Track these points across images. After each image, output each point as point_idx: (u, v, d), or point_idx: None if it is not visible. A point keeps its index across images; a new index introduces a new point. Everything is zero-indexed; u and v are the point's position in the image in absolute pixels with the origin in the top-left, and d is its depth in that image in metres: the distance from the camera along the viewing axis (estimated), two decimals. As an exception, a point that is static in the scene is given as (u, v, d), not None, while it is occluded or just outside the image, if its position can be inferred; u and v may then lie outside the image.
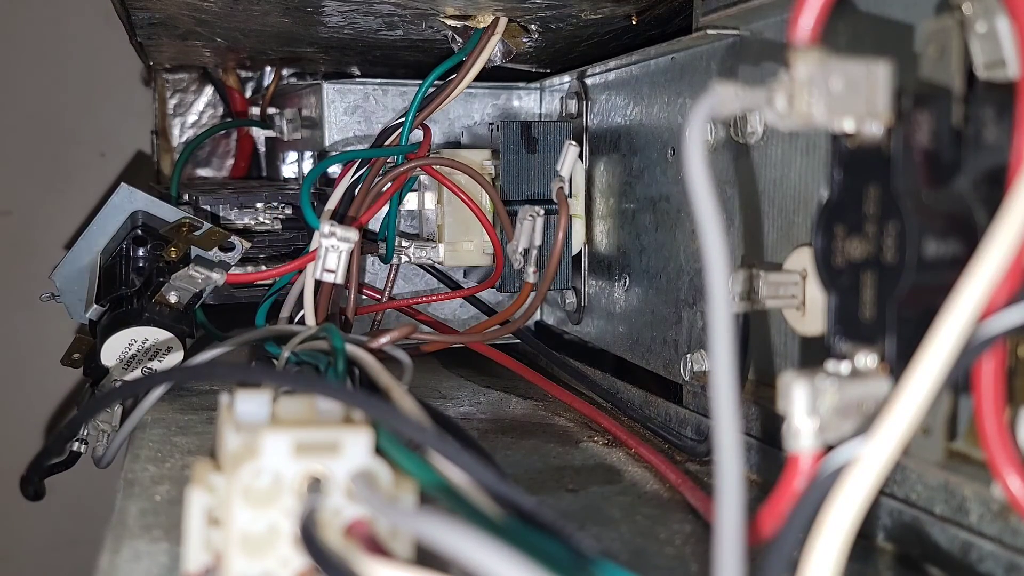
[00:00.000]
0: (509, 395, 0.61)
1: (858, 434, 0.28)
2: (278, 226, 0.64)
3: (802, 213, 0.41)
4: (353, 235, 0.54)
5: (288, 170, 0.84)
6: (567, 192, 0.57)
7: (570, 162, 0.57)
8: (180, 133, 0.93)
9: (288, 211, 0.64)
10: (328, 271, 0.54)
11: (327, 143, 0.66)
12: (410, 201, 0.63)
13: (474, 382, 0.65)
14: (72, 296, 0.59)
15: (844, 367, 0.30)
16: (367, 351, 0.42)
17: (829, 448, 0.28)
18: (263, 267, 0.61)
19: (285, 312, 0.57)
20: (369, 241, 0.61)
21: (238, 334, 0.52)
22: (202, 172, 0.93)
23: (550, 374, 0.62)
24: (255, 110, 0.90)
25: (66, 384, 0.95)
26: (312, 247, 0.56)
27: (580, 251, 0.62)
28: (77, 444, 0.57)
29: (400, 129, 0.59)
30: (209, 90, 0.93)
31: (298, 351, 0.45)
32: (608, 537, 0.38)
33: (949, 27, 0.30)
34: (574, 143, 0.57)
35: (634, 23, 0.58)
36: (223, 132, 0.92)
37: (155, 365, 0.55)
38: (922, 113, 0.29)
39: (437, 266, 0.65)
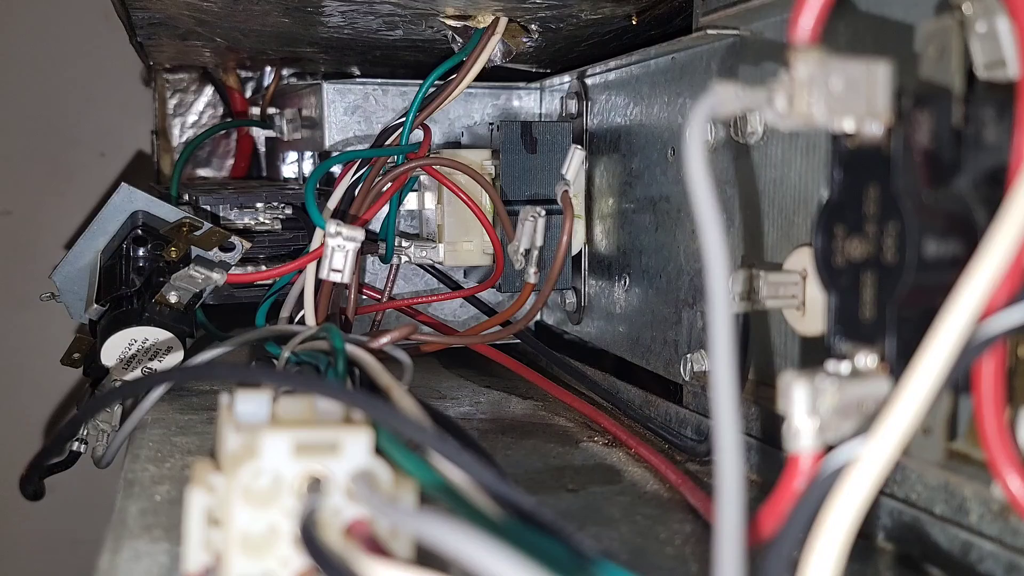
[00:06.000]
0: (509, 395, 0.61)
1: (858, 434, 0.28)
2: (278, 226, 0.64)
3: (802, 213, 0.41)
4: (359, 234, 0.54)
5: (288, 170, 0.84)
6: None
7: (576, 166, 0.57)
8: (180, 133, 0.93)
9: (288, 211, 0.64)
10: (335, 270, 0.54)
11: (327, 143, 0.66)
12: (410, 201, 0.63)
13: (474, 382, 0.65)
14: (72, 296, 0.59)
15: (844, 367, 0.30)
16: (367, 351, 0.42)
17: (829, 448, 0.28)
18: (263, 267, 0.61)
19: (285, 312, 0.57)
20: (369, 241, 0.61)
21: (238, 334, 0.52)
22: (202, 172, 0.93)
23: (550, 374, 0.62)
24: (255, 110, 0.90)
25: (66, 384, 0.95)
26: (313, 246, 0.56)
27: (580, 251, 0.62)
28: (77, 444, 0.57)
29: (400, 129, 0.59)
30: (209, 90, 0.93)
31: (298, 351, 0.45)
32: (608, 537, 0.38)
33: (949, 27, 0.30)
34: (580, 147, 0.57)
35: (634, 23, 0.58)
36: (223, 132, 0.92)
37: (155, 365, 0.55)
38: (922, 113, 0.29)
39: (437, 266, 0.65)
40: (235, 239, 0.59)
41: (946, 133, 0.30)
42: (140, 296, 0.56)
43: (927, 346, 0.26)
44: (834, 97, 0.28)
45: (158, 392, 0.51)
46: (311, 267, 0.56)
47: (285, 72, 0.88)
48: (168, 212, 0.59)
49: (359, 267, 0.60)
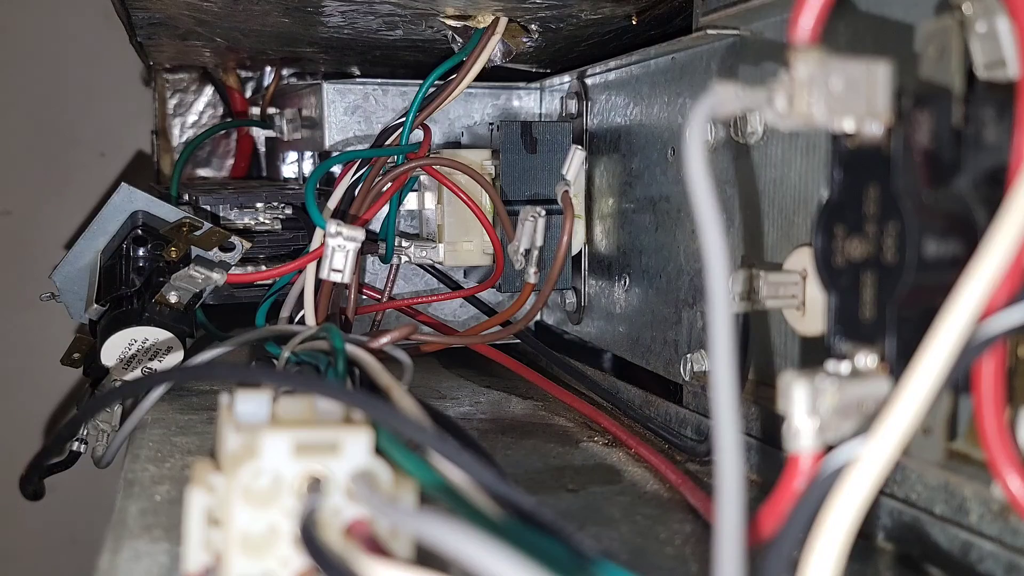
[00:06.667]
0: (509, 395, 0.61)
1: (858, 434, 0.28)
2: (278, 226, 0.64)
3: (802, 213, 0.41)
4: (360, 234, 0.54)
5: (288, 170, 0.84)
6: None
7: (576, 166, 0.57)
8: (180, 133, 0.93)
9: (288, 211, 0.64)
10: (335, 270, 0.54)
11: (327, 143, 0.66)
12: (410, 201, 0.63)
13: (474, 382, 0.65)
14: (72, 296, 0.59)
15: (844, 367, 0.30)
16: (367, 351, 0.42)
17: (829, 448, 0.28)
18: (263, 267, 0.61)
19: (285, 312, 0.57)
20: (369, 241, 0.61)
21: (238, 334, 0.52)
22: (202, 172, 0.93)
23: (550, 374, 0.62)
24: (255, 110, 0.90)
25: (66, 384, 0.95)
26: (313, 246, 0.56)
27: (580, 251, 0.62)
28: (77, 444, 0.57)
29: (400, 129, 0.59)
30: (209, 90, 0.93)
31: (298, 351, 0.45)
32: (608, 537, 0.38)
33: (949, 27, 0.30)
34: (580, 147, 0.57)
35: (634, 23, 0.58)
36: (223, 132, 0.92)
37: (155, 365, 0.55)
38: (922, 113, 0.29)
39: (437, 266, 0.65)
40: (235, 239, 0.59)
41: (946, 133, 0.30)
42: (140, 296, 0.56)
43: (927, 346, 0.26)
44: (834, 97, 0.28)
45: (158, 392, 0.51)
46: (311, 267, 0.56)
47: (285, 72, 0.88)
48: (168, 212, 0.59)
49: (359, 267, 0.60)
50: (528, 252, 0.57)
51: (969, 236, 0.29)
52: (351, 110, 0.66)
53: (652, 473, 0.46)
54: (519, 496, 0.28)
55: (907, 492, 0.36)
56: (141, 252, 0.58)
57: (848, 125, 0.28)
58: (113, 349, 0.54)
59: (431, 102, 0.59)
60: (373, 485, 0.29)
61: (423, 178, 0.62)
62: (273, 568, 0.29)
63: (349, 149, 0.66)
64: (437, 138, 0.66)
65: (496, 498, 0.28)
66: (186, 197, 0.67)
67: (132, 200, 0.59)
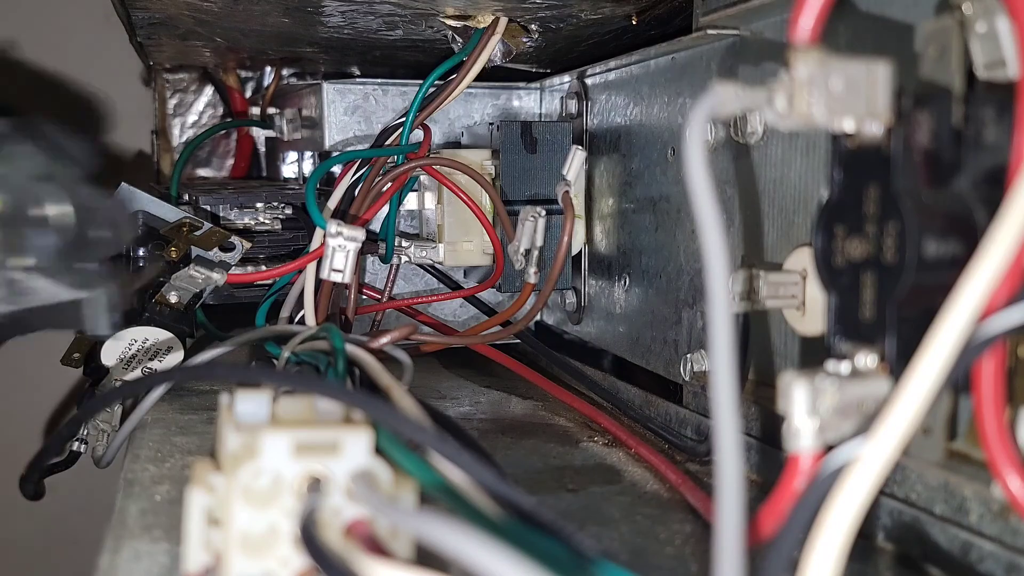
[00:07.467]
0: (509, 395, 0.61)
1: (858, 434, 0.28)
2: (278, 226, 0.64)
3: (802, 213, 0.41)
4: (360, 234, 0.54)
5: (288, 170, 0.84)
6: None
7: (577, 167, 0.57)
8: (180, 133, 0.93)
9: (288, 211, 0.64)
10: (336, 271, 0.54)
11: (327, 143, 0.66)
12: (410, 201, 0.63)
13: (474, 382, 0.65)
14: (72, 296, 0.59)
15: (844, 367, 0.30)
16: (367, 351, 0.42)
17: (829, 448, 0.28)
18: (263, 267, 0.61)
19: (285, 312, 0.57)
20: (369, 241, 0.61)
21: (238, 334, 0.52)
22: (202, 172, 0.93)
23: (550, 374, 0.62)
24: (255, 110, 0.90)
25: (66, 384, 0.95)
26: (313, 246, 0.56)
27: (580, 251, 0.62)
28: (77, 444, 0.57)
29: (400, 129, 0.59)
30: (209, 90, 0.93)
31: (298, 351, 0.45)
32: (608, 537, 0.38)
33: (949, 27, 0.30)
34: (581, 148, 0.57)
35: (634, 23, 0.58)
36: (223, 132, 0.92)
37: (155, 365, 0.55)
38: (922, 113, 0.29)
39: (437, 266, 0.65)
40: (235, 239, 0.59)
41: (946, 133, 0.30)
42: (140, 296, 0.56)
43: (927, 346, 0.26)
44: (834, 97, 0.28)
45: (158, 392, 0.51)
46: (311, 267, 0.56)
47: (285, 72, 0.88)
48: (168, 212, 0.59)
49: (359, 267, 0.60)
50: (528, 252, 0.57)
51: (969, 236, 0.29)
52: (351, 110, 0.66)
53: (652, 473, 0.46)
54: (519, 496, 0.28)
55: (907, 492, 0.36)
56: (141, 252, 0.58)
57: (848, 125, 0.28)
58: (113, 349, 0.54)
59: (431, 102, 0.59)
60: (373, 485, 0.29)
61: (423, 178, 0.62)
62: (273, 568, 0.29)
63: (349, 149, 0.66)
64: (437, 138, 0.66)
65: (496, 498, 0.28)
66: (186, 197, 0.67)
67: (132, 200, 0.59)
